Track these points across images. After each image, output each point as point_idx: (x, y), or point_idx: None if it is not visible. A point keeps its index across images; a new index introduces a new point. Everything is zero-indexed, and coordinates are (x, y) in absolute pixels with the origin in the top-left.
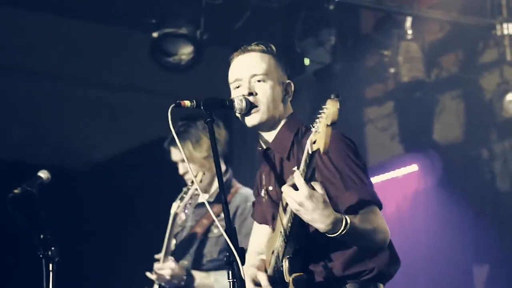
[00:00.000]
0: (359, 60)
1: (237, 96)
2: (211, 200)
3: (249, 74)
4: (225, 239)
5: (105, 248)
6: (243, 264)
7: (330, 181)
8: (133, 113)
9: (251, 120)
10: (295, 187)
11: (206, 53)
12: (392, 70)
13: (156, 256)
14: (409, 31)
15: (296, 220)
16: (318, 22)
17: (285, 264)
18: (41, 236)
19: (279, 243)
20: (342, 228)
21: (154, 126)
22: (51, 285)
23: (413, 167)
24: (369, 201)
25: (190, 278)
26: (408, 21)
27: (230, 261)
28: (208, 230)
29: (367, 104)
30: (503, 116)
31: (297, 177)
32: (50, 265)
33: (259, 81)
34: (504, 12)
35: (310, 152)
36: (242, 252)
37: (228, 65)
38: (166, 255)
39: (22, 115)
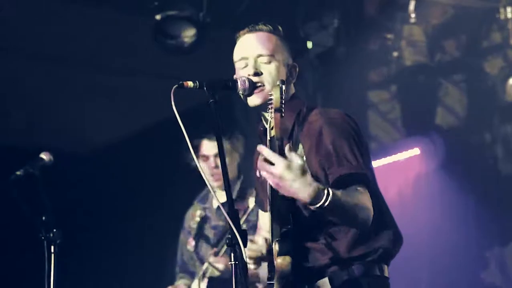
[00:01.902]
0: (362, 44)
1: (240, 76)
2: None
3: (256, 53)
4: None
5: (107, 231)
6: (245, 246)
7: (327, 158)
8: (135, 96)
9: (254, 100)
10: (271, 163)
11: (209, 35)
12: (395, 54)
13: (211, 252)
14: (413, 15)
15: (277, 198)
16: (321, 5)
17: (275, 247)
18: (43, 218)
19: (269, 224)
20: (324, 198)
21: (156, 109)
22: (53, 267)
23: (415, 151)
24: (357, 179)
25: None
26: (412, 4)
27: (233, 243)
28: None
29: (369, 87)
30: (506, 100)
31: (268, 152)
32: (52, 247)
33: (265, 61)
34: None
35: (269, 138)
36: (244, 235)
37: (231, 46)
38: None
39: (23, 99)
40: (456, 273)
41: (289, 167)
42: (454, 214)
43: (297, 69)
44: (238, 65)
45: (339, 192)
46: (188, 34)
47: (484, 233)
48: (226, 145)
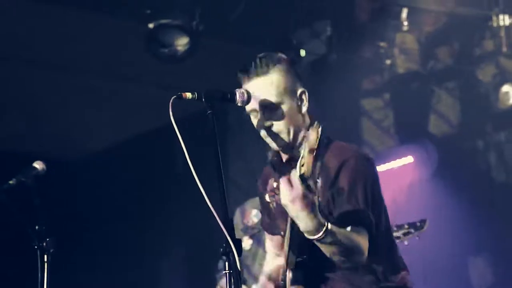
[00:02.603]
0: (355, 51)
1: (239, 89)
2: None
3: (261, 104)
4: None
5: (101, 239)
6: (239, 255)
7: (339, 194)
8: (129, 104)
9: (272, 145)
10: (291, 183)
11: (201, 44)
12: (388, 62)
13: None
14: (405, 23)
15: (295, 228)
16: (314, 13)
17: (288, 274)
18: (36, 227)
19: (285, 251)
20: (321, 233)
21: (150, 116)
22: (46, 276)
23: (409, 159)
24: (361, 220)
25: None
26: (404, 12)
27: (227, 251)
28: None
29: (362, 95)
30: (498, 107)
31: (294, 175)
32: (45, 256)
33: (273, 109)
34: (500, 3)
35: (299, 174)
36: (238, 243)
37: (224, 54)
38: None
39: (17, 105)
40: (448, 278)
41: (304, 197)
42: (447, 221)
43: (307, 94)
44: (250, 114)
45: (337, 230)
46: (181, 43)
47: (477, 239)
48: None
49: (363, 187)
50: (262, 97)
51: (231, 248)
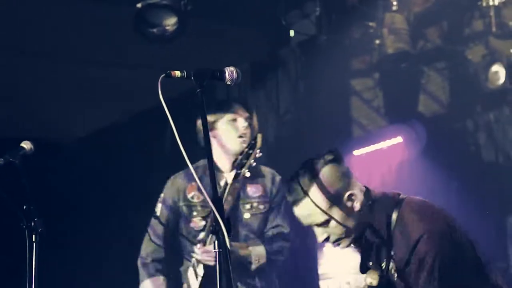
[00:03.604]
0: (344, 32)
1: (228, 68)
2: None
3: (314, 222)
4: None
5: (87, 220)
6: (228, 234)
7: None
8: (116, 87)
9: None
10: None
11: (190, 24)
12: (377, 42)
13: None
14: (394, 2)
15: None
16: None
17: None
18: (24, 207)
19: None
20: None
21: (136, 100)
22: (35, 256)
23: (398, 139)
24: None
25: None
26: None
27: (216, 230)
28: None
29: (352, 75)
30: (488, 87)
31: None
32: (34, 236)
33: (324, 225)
34: None
35: None
36: (228, 222)
37: (213, 34)
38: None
39: (7, 91)
40: None
41: None
42: (436, 200)
43: (355, 192)
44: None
45: None
46: (169, 23)
47: (466, 218)
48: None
49: (436, 266)
50: (309, 219)
51: (221, 227)
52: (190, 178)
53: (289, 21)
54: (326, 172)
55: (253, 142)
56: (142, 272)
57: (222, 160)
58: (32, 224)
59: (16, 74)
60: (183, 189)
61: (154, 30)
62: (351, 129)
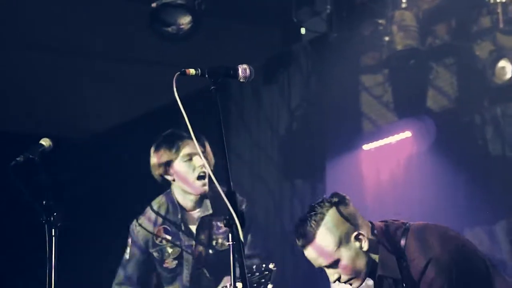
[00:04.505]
0: (354, 29)
1: (241, 65)
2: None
3: (323, 264)
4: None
5: (105, 214)
6: (242, 226)
7: None
8: (130, 84)
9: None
10: None
11: (204, 22)
12: (386, 39)
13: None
14: (404, 0)
15: None
16: None
17: None
18: (44, 202)
19: None
20: None
21: (151, 97)
22: (54, 249)
23: (407, 133)
24: None
25: None
26: None
27: (230, 224)
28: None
29: (362, 72)
30: (495, 82)
31: None
32: (53, 230)
33: (334, 267)
34: None
35: None
36: (241, 215)
37: (227, 33)
38: None
39: (24, 88)
40: None
41: None
42: (445, 194)
43: (364, 231)
44: None
45: None
46: (184, 21)
47: (475, 211)
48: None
49: None
50: (320, 258)
51: (234, 221)
52: (155, 223)
53: (300, 19)
54: (331, 215)
55: (266, 273)
56: None
57: (185, 200)
58: (52, 218)
59: (35, 72)
60: (150, 236)
61: (169, 28)
62: (361, 124)
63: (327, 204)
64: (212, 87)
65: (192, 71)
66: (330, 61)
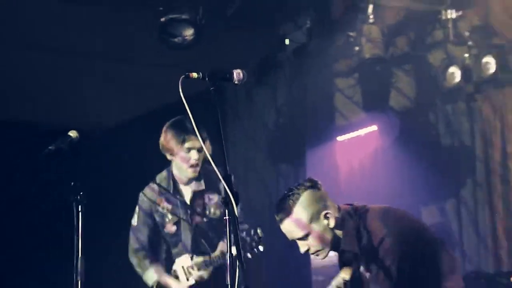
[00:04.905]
0: (330, 40)
1: (235, 70)
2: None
3: (296, 236)
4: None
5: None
6: (237, 204)
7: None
8: (140, 84)
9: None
10: None
11: (204, 34)
12: (356, 48)
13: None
14: (371, 16)
15: None
16: (297, 9)
17: None
18: (72, 184)
19: None
20: None
21: (158, 95)
22: (81, 223)
23: (373, 127)
24: None
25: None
26: (370, 8)
27: (226, 201)
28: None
29: (336, 76)
30: (446, 85)
31: None
32: (80, 207)
33: (304, 239)
34: (448, 0)
35: None
36: (236, 195)
37: (223, 43)
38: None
39: (50, 87)
40: None
41: None
42: (405, 179)
43: (331, 211)
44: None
45: None
46: (188, 33)
47: (429, 192)
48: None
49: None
50: (292, 233)
51: (230, 199)
52: (157, 193)
53: (285, 32)
54: (306, 195)
55: (255, 236)
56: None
57: (181, 176)
58: (78, 197)
59: (57, 73)
60: (154, 202)
61: (175, 39)
62: (335, 119)
63: (302, 187)
64: (212, 88)
65: (194, 74)
66: (310, 67)
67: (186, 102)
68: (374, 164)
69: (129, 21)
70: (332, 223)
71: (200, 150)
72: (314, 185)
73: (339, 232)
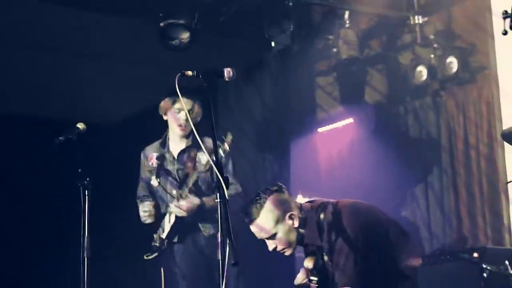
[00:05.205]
0: (311, 43)
1: (226, 68)
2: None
3: (264, 237)
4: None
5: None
6: (227, 188)
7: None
8: (143, 81)
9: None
10: None
11: (199, 38)
12: (334, 50)
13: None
14: (347, 22)
15: None
16: (281, 15)
17: None
18: (79, 170)
19: None
20: None
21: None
22: (87, 205)
23: (350, 120)
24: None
25: (202, 204)
26: (346, 14)
27: (217, 186)
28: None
29: (317, 74)
30: (414, 83)
31: None
32: (86, 191)
33: (272, 238)
34: (416, 6)
35: None
36: (226, 180)
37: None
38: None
39: (59, 84)
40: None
41: None
42: (378, 167)
43: (297, 213)
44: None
45: None
46: (184, 37)
47: (400, 179)
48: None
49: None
50: (261, 233)
51: (221, 183)
52: (152, 150)
53: (271, 35)
54: (271, 200)
55: (223, 137)
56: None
57: (174, 135)
58: (85, 182)
59: (65, 73)
60: (146, 157)
61: (173, 42)
62: (316, 113)
63: (268, 191)
64: (205, 84)
65: (189, 72)
66: (293, 67)
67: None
68: (350, 153)
69: (133, 26)
70: (296, 223)
71: (189, 111)
72: (279, 189)
73: (302, 231)
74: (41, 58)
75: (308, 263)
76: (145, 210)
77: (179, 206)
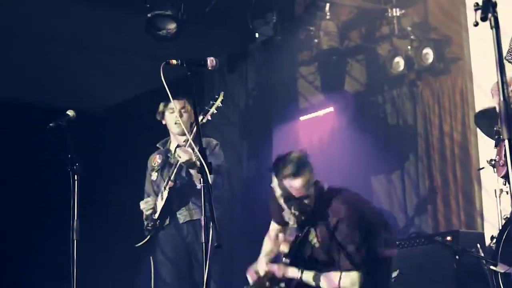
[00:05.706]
0: (293, 34)
1: (209, 57)
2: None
3: (299, 195)
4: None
5: (118, 166)
6: (210, 173)
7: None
8: (134, 68)
9: None
10: None
11: (185, 28)
12: (316, 41)
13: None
14: (328, 13)
15: None
16: (265, 8)
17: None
18: (69, 156)
19: None
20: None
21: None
22: (76, 190)
23: (330, 108)
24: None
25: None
26: (327, 6)
27: (202, 171)
28: None
29: (299, 64)
30: (392, 73)
31: None
32: (75, 176)
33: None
34: (393, 0)
35: None
36: (210, 165)
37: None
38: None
39: (53, 72)
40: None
41: None
42: (358, 153)
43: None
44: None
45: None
46: (171, 27)
47: (378, 164)
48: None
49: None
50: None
51: (205, 169)
52: (155, 154)
53: (255, 26)
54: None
55: (216, 96)
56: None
57: (173, 135)
58: (74, 167)
59: (59, 62)
60: (153, 159)
61: (160, 32)
62: (298, 101)
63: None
64: (188, 73)
65: (174, 61)
66: (276, 57)
67: (168, 85)
68: (331, 140)
69: (122, 17)
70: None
71: (180, 110)
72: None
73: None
74: (32, 47)
75: (284, 248)
76: (147, 201)
77: (179, 153)
